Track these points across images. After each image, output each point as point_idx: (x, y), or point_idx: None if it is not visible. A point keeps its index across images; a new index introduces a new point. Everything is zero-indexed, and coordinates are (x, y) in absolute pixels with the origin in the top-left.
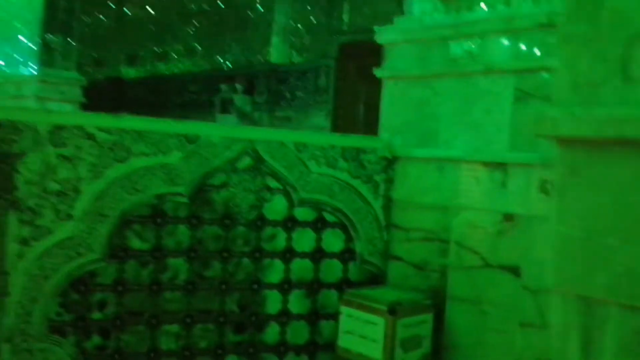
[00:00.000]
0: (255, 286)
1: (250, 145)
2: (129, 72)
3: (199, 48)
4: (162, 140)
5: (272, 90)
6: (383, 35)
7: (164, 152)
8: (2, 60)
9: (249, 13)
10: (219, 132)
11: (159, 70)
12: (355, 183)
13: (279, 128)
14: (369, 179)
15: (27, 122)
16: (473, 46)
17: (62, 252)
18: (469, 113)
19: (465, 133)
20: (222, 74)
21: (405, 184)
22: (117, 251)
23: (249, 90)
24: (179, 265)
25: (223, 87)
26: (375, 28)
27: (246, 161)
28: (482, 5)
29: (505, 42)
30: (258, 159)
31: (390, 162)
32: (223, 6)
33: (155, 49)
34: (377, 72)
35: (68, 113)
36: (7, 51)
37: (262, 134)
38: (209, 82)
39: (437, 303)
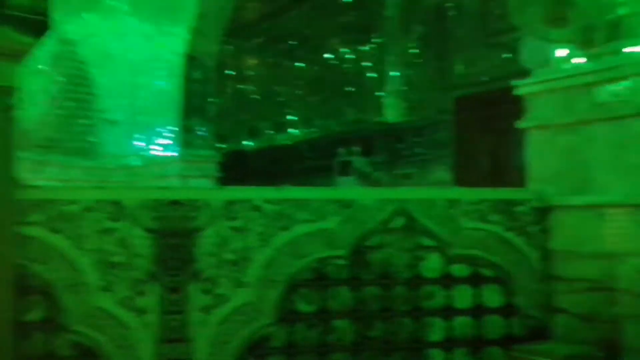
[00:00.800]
0: (418, 345)
1: (401, 206)
2: (250, 145)
3: (314, 115)
4: (321, 207)
5: (389, 149)
6: (523, 87)
7: (323, 217)
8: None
9: (361, 76)
10: (371, 195)
11: (277, 140)
12: (509, 236)
13: (403, 186)
14: (522, 231)
15: (203, 200)
16: (622, 89)
17: (239, 318)
18: (624, 157)
19: (622, 177)
20: (339, 137)
21: (562, 233)
22: (286, 315)
23: (366, 151)
24: (344, 326)
25: (340, 150)
26: (515, 82)
27: (399, 221)
28: (627, 48)
29: None
30: (410, 219)
31: (543, 213)
32: (335, 73)
33: (272, 120)
34: (520, 124)
35: (237, 189)
36: (153, 136)
37: (412, 194)
38: (326, 147)
39: (611, 355)
